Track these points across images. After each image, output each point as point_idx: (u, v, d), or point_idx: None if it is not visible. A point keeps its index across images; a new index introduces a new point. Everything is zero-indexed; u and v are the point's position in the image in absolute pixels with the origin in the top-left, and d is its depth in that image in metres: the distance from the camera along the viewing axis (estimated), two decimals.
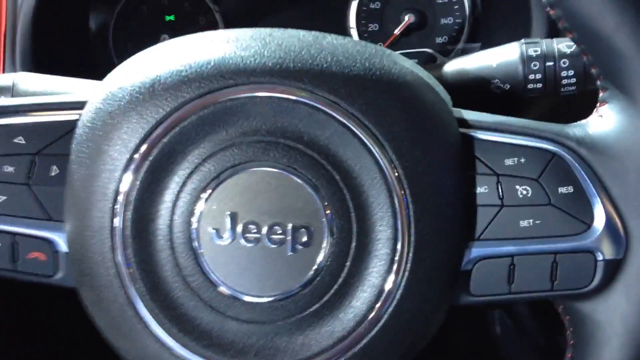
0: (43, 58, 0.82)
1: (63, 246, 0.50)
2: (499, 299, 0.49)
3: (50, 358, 0.83)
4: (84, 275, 0.48)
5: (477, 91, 0.65)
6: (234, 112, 0.47)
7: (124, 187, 0.47)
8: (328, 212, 0.47)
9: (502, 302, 0.50)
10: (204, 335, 0.47)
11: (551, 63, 0.61)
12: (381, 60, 0.49)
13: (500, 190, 0.49)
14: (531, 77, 0.62)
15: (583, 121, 0.51)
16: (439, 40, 0.92)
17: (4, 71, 0.84)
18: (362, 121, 0.47)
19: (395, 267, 0.47)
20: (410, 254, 0.47)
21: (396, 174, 0.47)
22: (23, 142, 0.50)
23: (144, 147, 0.47)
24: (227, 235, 0.47)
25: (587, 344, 0.49)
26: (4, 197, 0.50)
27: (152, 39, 0.88)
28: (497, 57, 0.63)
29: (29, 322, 0.80)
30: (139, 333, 0.47)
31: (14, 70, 0.83)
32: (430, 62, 0.77)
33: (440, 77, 0.66)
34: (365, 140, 0.47)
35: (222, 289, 0.47)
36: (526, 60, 0.62)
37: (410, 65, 0.50)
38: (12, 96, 0.59)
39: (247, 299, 0.47)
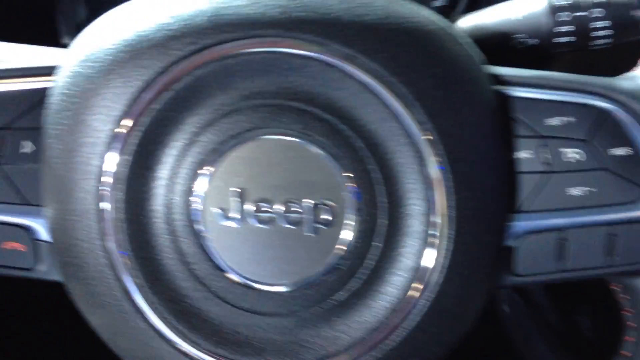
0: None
1: (44, 234, 0.43)
2: (548, 279, 0.43)
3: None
4: (71, 267, 0.41)
5: (496, 49, 0.58)
6: (233, 72, 0.40)
7: (111, 162, 0.40)
8: (351, 185, 0.40)
9: (552, 282, 0.44)
10: (214, 331, 0.41)
11: (584, 13, 0.55)
12: (399, 9, 0.42)
13: (545, 155, 0.43)
14: (560, 29, 0.55)
15: (633, 72, 0.45)
16: (436, 3, 0.86)
17: None
18: (385, 78, 0.40)
19: (432, 245, 0.40)
20: (449, 230, 0.40)
21: (428, 138, 0.40)
22: None
23: (130, 116, 0.39)
24: (235, 215, 0.40)
25: None
26: None
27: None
28: (521, 9, 0.57)
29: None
30: (140, 330, 0.41)
31: None
32: None
33: None
34: (391, 101, 0.40)
35: (233, 277, 0.40)
36: (555, 10, 0.55)
37: (430, 14, 0.44)
38: None
39: (262, 288, 0.40)
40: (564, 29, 0.55)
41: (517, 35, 0.57)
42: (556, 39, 0.56)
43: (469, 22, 0.60)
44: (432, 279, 0.40)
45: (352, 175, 0.40)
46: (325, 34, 0.40)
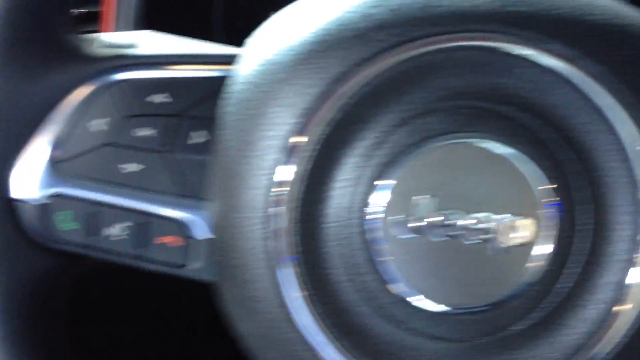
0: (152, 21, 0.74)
1: (201, 230, 0.41)
2: None
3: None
4: (229, 268, 0.39)
5: None
6: (438, 68, 0.36)
7: (292, 159, 0.37)
8: (554, 201, 0.36)
9: None
10: (382, 354, 0.37)
11: None
12: (630, 12, 0.37)
13: None
14: None
15: None
16: None
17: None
18: (612, 85, 0.36)
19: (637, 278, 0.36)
20: None
21: None
22: (162, 100, 0.41)
23: (321, 109, 0.37)
24: (415, 226, 0.36)
25: None
26: (142, 166, 0.41)
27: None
28: None
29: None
30: (292, 341, 0.38)
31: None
32: None
33: None
34: (615, 110, 0.36)
35: (404, 293, 0.37)
36: None
37: None
38: None
39: (436, 309, 0.37)
40: None
41: None
42: None
43: None
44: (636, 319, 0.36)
45: (559, 192, 0.36)
46: (547, 31, 0.36)
